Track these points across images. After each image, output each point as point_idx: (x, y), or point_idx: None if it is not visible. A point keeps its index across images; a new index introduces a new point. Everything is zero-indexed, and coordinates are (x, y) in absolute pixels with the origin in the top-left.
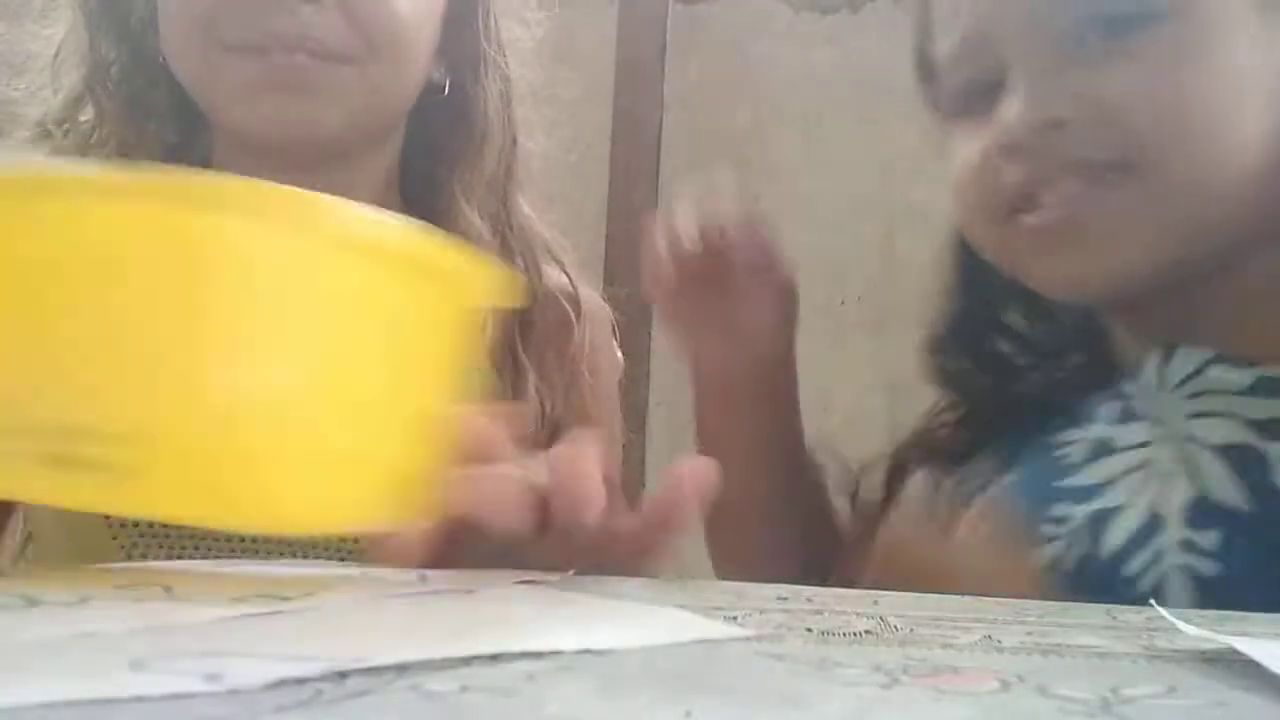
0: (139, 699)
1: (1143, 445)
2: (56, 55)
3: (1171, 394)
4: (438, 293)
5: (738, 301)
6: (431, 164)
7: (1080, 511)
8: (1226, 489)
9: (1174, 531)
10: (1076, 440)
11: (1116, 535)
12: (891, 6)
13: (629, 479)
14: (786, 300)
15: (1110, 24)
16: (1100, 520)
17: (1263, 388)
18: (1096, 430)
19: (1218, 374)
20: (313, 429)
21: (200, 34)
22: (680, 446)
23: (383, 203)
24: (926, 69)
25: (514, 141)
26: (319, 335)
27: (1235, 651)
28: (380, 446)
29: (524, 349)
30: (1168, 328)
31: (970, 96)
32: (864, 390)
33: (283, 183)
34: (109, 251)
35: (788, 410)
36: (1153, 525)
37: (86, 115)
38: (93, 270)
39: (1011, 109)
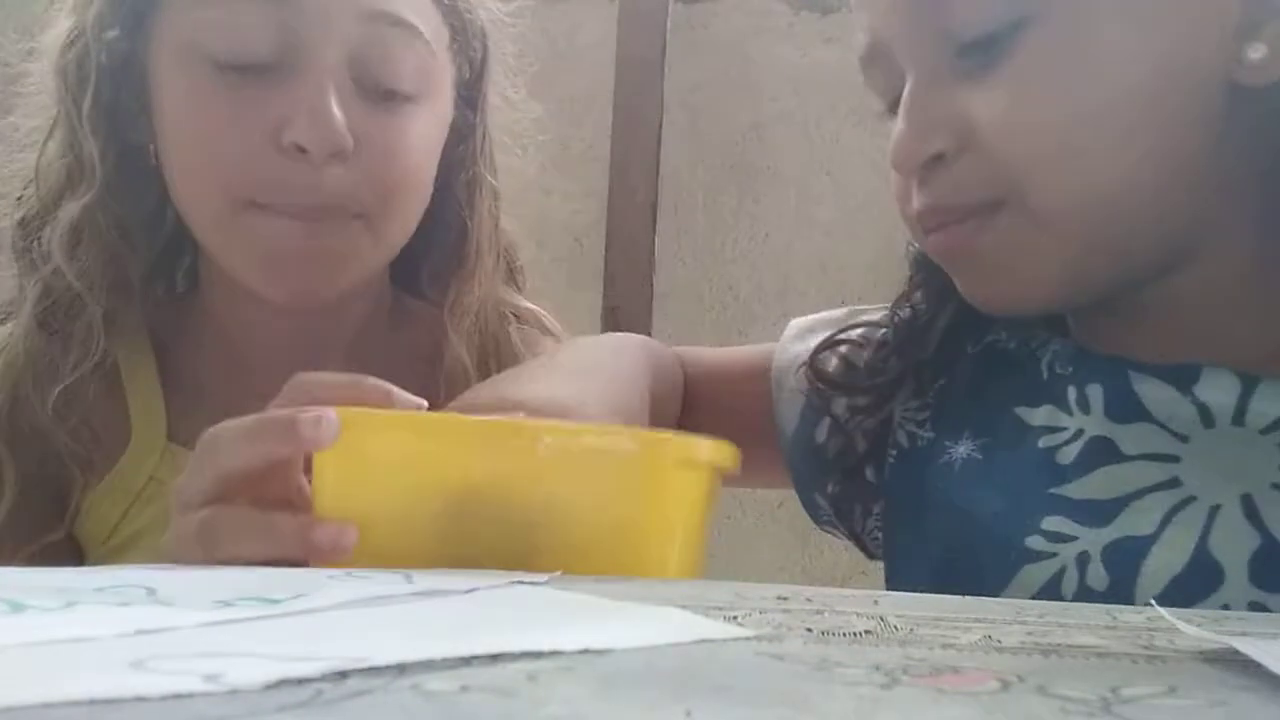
0: (139, 699)
1: (1169, 459)
2: (41, 156)
3: (1261, 437)
4: (711, 473)
5: None
6: (422, 283)
7: (1089, 535)
8: None
9: (1238, 589)
10: (1063, 430)
11: (1155, 576)
12: None
13: None
14: None
15: (973, 45)
16: (1124, 552)
17: None
18: (1081, 421)
19: None
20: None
21: (222, 192)
22: None
23: (372, 318)
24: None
25: (506, 255)
26: (682, 511)
27: (1235, 651)
28: (692, 570)
29: None
30: (1116, 336)
31: (890, 102)
32: None
33: (284, 321)
34: (585, 474)
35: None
36: (1208, 574)
37: (70, 216)
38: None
39: (896, 131)
